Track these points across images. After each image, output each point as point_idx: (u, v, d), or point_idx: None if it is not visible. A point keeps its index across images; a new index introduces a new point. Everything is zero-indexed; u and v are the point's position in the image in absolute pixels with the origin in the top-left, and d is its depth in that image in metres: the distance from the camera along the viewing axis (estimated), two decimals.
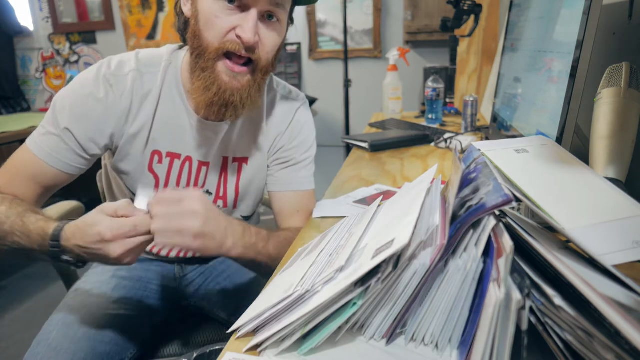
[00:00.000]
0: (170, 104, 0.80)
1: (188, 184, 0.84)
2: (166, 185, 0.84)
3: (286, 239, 0.79)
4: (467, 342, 0.40)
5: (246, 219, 0.93)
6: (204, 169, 0.85)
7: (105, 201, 0.99)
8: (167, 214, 0.61)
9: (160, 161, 0.82)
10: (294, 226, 0.87)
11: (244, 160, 0.87)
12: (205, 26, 0.70)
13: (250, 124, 0.86)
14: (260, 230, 0.75)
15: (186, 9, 0.76)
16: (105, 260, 0.62)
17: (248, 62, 0.73)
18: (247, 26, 0.69)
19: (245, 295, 0.92)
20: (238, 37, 0.69)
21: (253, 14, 0.69)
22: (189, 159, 0.83)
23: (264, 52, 0.73)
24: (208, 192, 0.87)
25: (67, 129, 0.75)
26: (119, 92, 0.76)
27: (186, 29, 0.76)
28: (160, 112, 0.79)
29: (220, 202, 0.88)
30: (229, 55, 0.71)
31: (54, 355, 0.71)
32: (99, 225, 0.61)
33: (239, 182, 0.88)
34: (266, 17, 0.72)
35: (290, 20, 0.79)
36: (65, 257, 0.65)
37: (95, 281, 0.86)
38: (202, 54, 0.71)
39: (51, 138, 0.75)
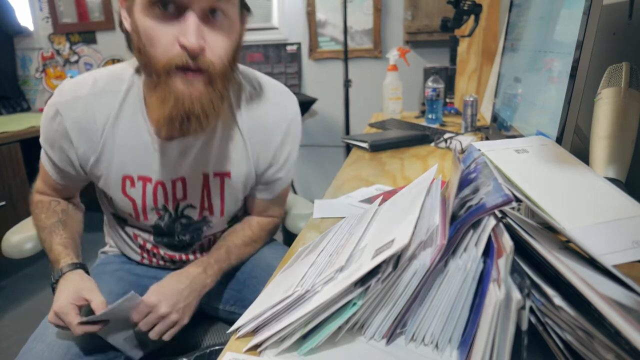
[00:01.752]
0: (132, 126, 0.77)
1: (166, 202, 0.83)
2: (144, 206, 0.83)
3: (251, 238, 0.91)
4: (467, 342, 0.40)
5: (234, 218, 0.93)
6: (179, 184, 0.82)
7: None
8: (146, 323, 0.73)
9: (132, 185, 0.81)
10: (275, 215, 0.96)
11: (226, 174, 0.83)
12: (147, 42, 0.64)
13: (223, 136, 0.80)
14: (218, 253, 0.85)
15: (127, 24, 0.70)
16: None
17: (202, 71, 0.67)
18: (187, 31, 0.62)
19: (242, 286, 0.92)
20: (182, 47, 0.63)
21: (191, 16, 0.62)
22: (160, 183, 0.81)
23: (215, 56, 0.66)
24: (191, 206, 0.85)
25: (46, 152, 0.81)
26: (70, 119, 0.75)
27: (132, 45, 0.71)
28: (123, 135, 0.77)
29: (206, 212, 0.86)
30: (179, 69, 0.65)
31: (48, 350, 0.72)
32: (58, 301, 0.71)
33: (224, 194, 0.85)
34: (209, 14, 0.64)
35: (246, 8, 0.72)
36: (52, 283, 0.78)
37: (94, 281, 0.87)
38: (152, 70, 0.67)
39: (45, 156, 0.83)
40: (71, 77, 3.11)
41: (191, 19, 0.62)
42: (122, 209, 0.85)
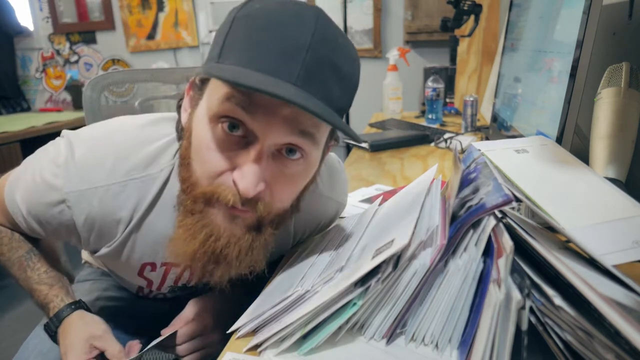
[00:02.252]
0: (168, 217, 0.59)
1: (188, 282, 0.70)
2: (160, 286, 0.70)
3: None
4: (467, 342, 0.40)
5: None
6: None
7: None
8: (188, 349, 0.64)
9: (153, 269, 0.66)
10: None
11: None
12: (196, 156, 0.50)
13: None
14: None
15: (184, 117, 0.55)
16: None
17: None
18: (246, 170, 0.46)
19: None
20: (235, 182, 0.47)
21: (259, 152, 0.46)
22: (189, 266, 0.63)
23: (274, 200, 0.50)
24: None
25: (26, 219, 0.61)
26: (83, 214, 0.57)
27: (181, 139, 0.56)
28: (153, 228, 0.60)
29: None
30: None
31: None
32: (70, 356, 0.61)
33: None
34: (285, 151, 0.49)
35: (334, 139, 0.57)
36: (51, 333, 0.66)
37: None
38: (189, 190, 0.51)
39: (18, 212, 0.61)
40: (71, 77, 3.11)
41: (257, 155, 0.46)
42: (128, 283, 0.71)
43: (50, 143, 0.61)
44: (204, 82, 0.51)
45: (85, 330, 0.63)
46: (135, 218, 0.59)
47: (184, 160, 0.52)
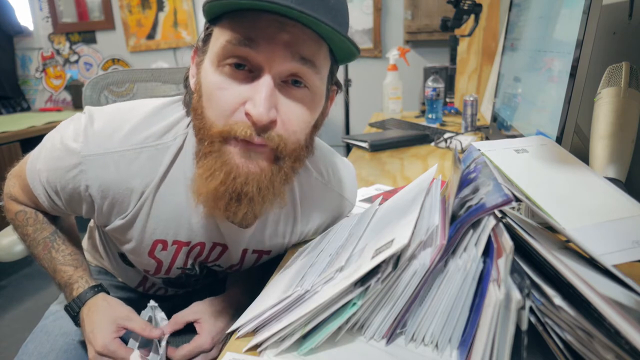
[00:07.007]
0: (181, 191, 0.61)
1: (196, 260, 0.71)
2: (170, 267, 0.70)
3: None
4: (467, 342, 0.40)
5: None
6: (218, 249, 0.69)
7: None
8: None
9: (164, 248, 0.66)
10: None
11: (266, 252, 0.72)
12: (207, 102, 0.53)
13: (276, 218, 0.68)
14: (252, 269, 0.78)
15: (192, 82, 0.59)
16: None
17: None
18: (257, 97, 0.49)
19: None
20: (247, 115, 0.50)
21: (266, 80, 0.49)
22: (200, 244, 0.67)
23: (287, 131, 0.52)
24: (219, 266, 0.74)
25: (46, 190, 0.64)
26: (97, 180, 0.59)
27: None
28: (166, 201, 0.62)
29: (230, 270, 0.77)
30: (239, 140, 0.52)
31: None
32: (97, 340, 0.63)
33: (256, 264, 0.76)
34: (291, 82, 0.52)
35: (335, 84, 0.60)
36: (73, 314, 0.68)
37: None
38: (204, 137, 0.53)
39: (40, 187, 0.64)
40: (71, 77, 3.11)
41: (264, 85, 0.49)
42: (139, 266, 0.72)
43: (71, 117, 0.64)
44: (206, 41, 0.55)
45: (111, 311, 0.66)
46: (148, 188, 0.60)
47: (196, 112, 0.55)
